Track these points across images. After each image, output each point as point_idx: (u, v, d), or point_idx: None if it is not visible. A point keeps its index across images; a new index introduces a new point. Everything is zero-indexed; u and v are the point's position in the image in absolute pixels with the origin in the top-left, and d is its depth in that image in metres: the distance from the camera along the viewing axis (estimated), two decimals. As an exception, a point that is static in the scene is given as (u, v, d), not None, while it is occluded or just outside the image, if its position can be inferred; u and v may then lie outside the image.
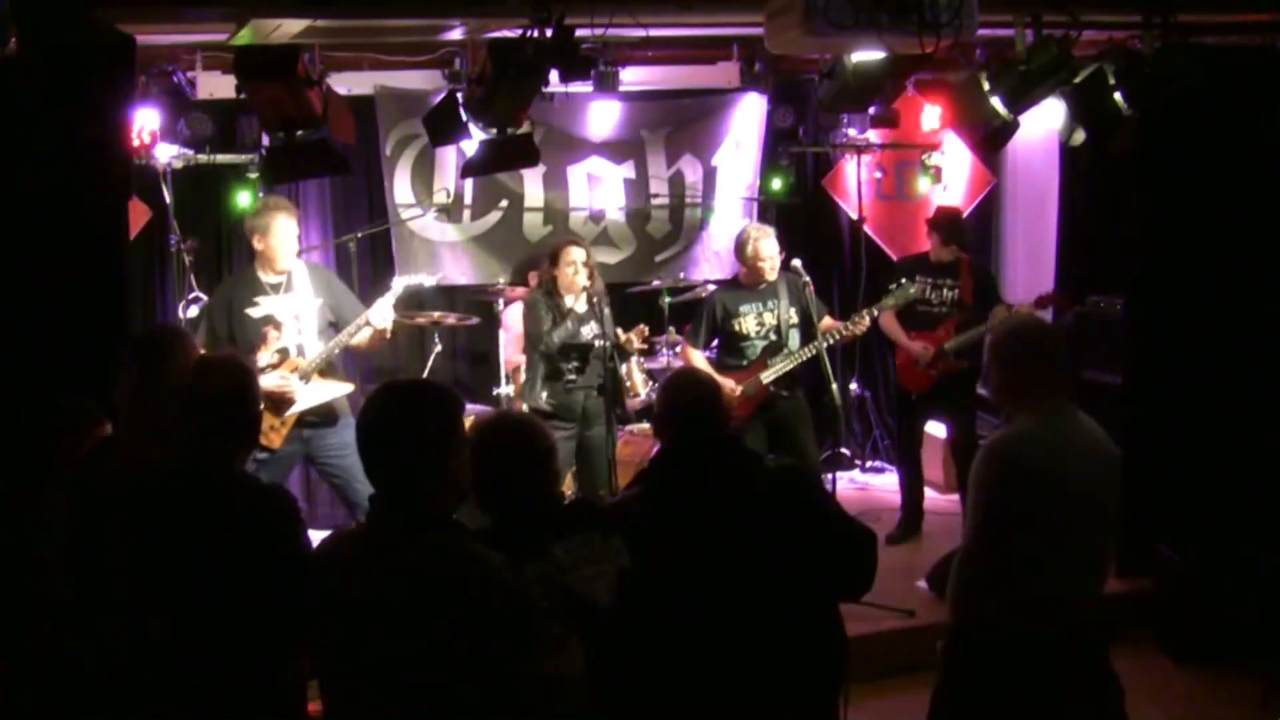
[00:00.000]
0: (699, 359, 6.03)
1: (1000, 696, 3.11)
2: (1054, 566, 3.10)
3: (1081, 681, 3.14)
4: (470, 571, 2.35)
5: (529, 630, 2.38)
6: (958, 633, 3.22)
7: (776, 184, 7.63)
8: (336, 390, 5.24)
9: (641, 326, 5.76)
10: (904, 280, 6.14)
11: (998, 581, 3.12)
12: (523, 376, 6.05)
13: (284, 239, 5.18)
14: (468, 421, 2.68)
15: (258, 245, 5.21)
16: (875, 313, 6.00)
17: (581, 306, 5.71)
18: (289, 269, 5.25)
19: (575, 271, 5.67)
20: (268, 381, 5.00)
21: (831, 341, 5.78)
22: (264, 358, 5.12)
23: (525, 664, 2.35)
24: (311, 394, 5.18)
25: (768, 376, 5.80)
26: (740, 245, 5.93)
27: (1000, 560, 3.12)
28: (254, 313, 5.18)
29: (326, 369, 5.27)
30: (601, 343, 5.57)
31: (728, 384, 5.66)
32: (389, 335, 5.29)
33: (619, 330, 5.76)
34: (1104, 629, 3.25)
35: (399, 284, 5.50)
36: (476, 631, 2.29)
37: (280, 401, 5.11)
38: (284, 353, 5.19)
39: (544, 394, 5.68)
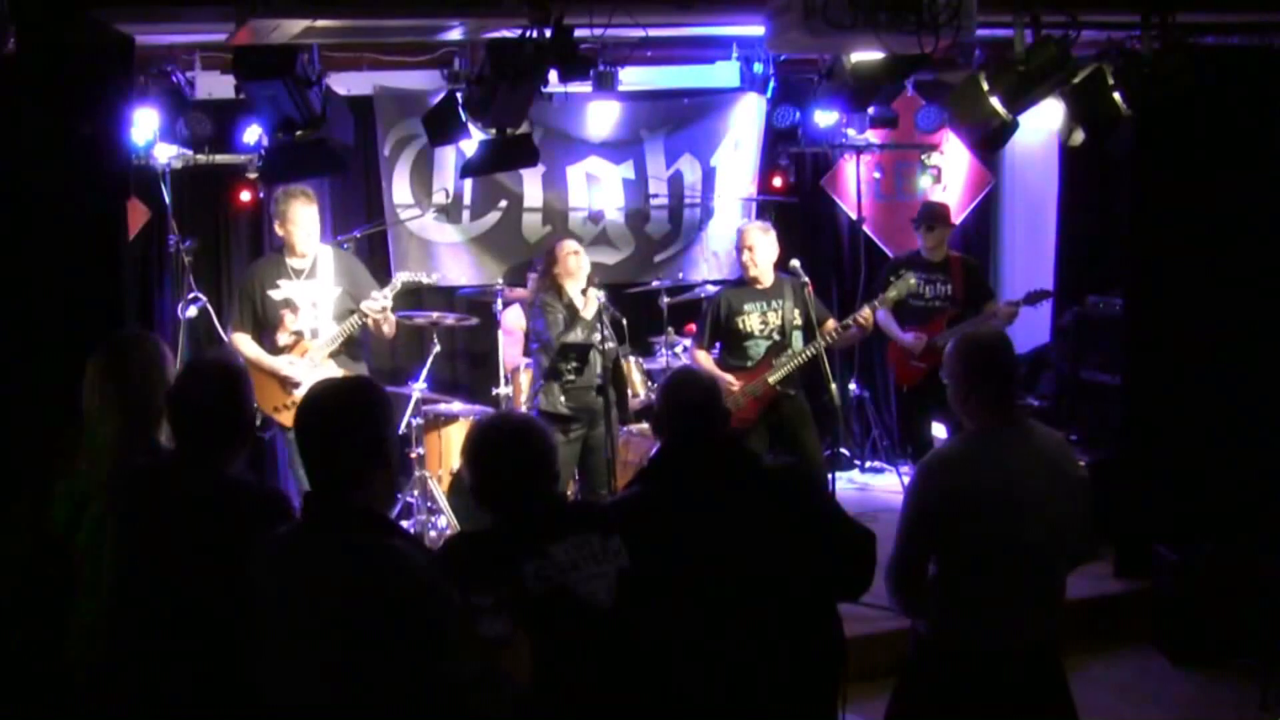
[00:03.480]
0: (706, 360, 6.03)
1: (948, 707, 3.10)
2: (994, 584, 3.04)
3: (1030, 700, 3.09)
4: (388, 570, 2.32)
5: (450, 631, 2.35)
6: (917, 638, 3.24)
7: (777, 182, 7.63)
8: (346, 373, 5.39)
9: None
10: (903, 271, 6.19)
11: (947, 593, 3.11)
12: (524, 380, 6.05)
13: (301, 225, 5.48)
14: (468, 422, 2.68)
15: (279, 230, 5.57)
16: (876, 305, 6.02)
17: (590, 312, 5.67)
18: (312, 254, 5.54)
19: (578, 261, 5.72)
20: (276, 363, 5.48)
21: (832, 340, 5.78)
22: (282, 338, 5.50)
23: (444, 665, 2.32)
24: (319, 376, 5.25)
25: (774, 377, 5.80)
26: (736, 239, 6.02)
27: (945, 574, 3.11)
28: (275, 295, 5.51)
29: (344, 353, 5.57)
30: (603, 343, 5.57)
31: (728, 380, 5.67)
32: (390, 325, 5.62)
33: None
34: (1054, 647, 3.19)
35: (398, 279, 5.72)
36: (391, 631, 2.27)
37: (288, 382, 5.50)
38: (299, 335, 5.50)
39: (561, 397, 5.68)
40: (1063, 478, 3.11)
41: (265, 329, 5.53)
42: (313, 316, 5.53)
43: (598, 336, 5.65)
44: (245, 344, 5.54)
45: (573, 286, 5.72)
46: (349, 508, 2.41)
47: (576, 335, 5.64)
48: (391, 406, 2.56)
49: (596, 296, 5.63)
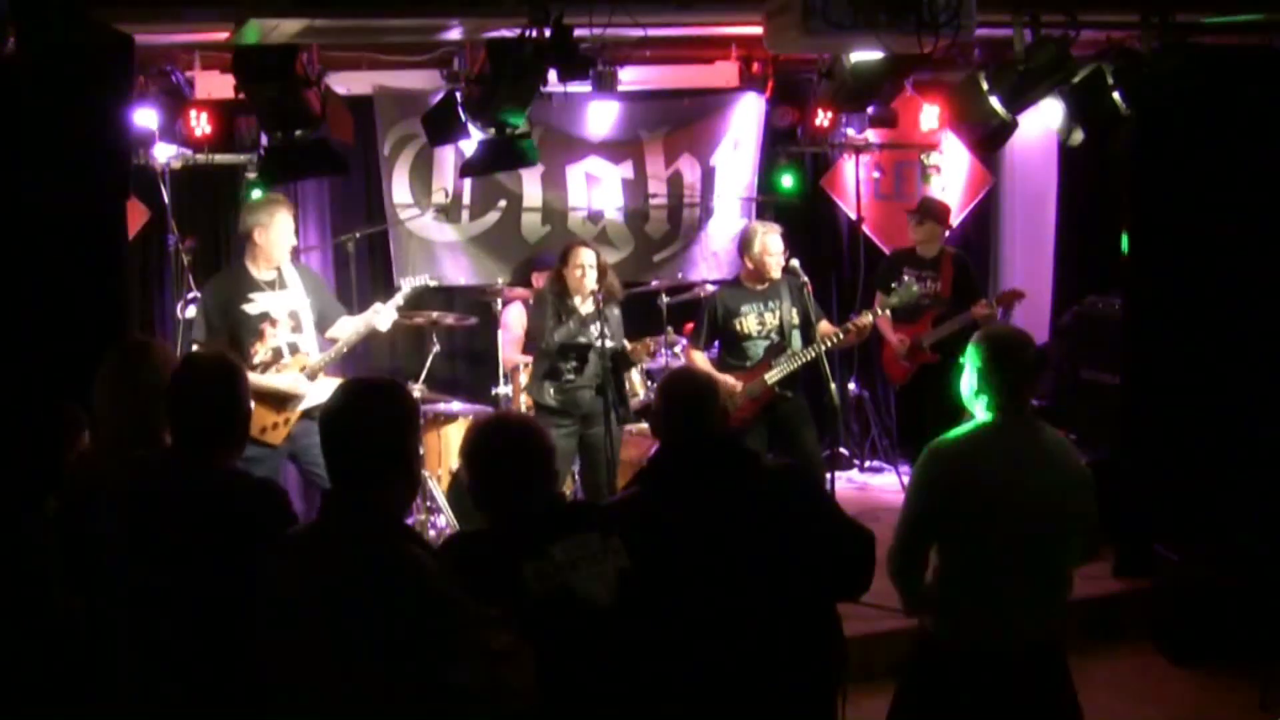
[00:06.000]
0: (701, 360, 6.02)
1: (951, 707, 3.10)
2: (997, 580, 3.04)
3: (1034, 698, 3.09)
4: (405, 577, 2.31)
5: (460, 640, 2.34)
6: (920, 636, 3.24)
7: (787, 181, 7.62)
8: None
9: (647, 340, 5.82)
10: (906, 279, 6.22)
11: (949, 590, 3.11)
12: (523, 375, 6.03)
13: (283, 234, 5.20)
14: (467, 421, 2.67)
15: (257, 238, 5.17)
16: (880, 312, 6.02)
17: (587, 308, 5.67)
18: (280, 265, 5.26)
19: (583, 274, 5.64)
20: (281, 380, 5.14)
21: (830, 345, 5.77)
22: (260, 353, 5.14)
23: (450, 674, 2.30)
24: (316, 391, 5.22)
25: (772, 377, 5.78)
26: (746, 242, 5.91)
27: (947, 570, 3.11)
28: (250, 309, 5.16)
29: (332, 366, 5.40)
30: (603, 342, 5.56)
31: (729, 381, 5.66)
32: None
33: (626, 341, 5.79)
34: (1060, 646, 3.19)
35: (405, 287, 5.53)
36: (403, 637, 2.26)
37: (288, 399, 5.17)
38: (277, 351, 5.19)
39: (550, 390, 5.68)
40: (1068, 474, 3.11)
41: (239, 345, 5.10)
42: (290, 329, 5.24)
43: (591, 331, 5.61)
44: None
45: (576, 298, 5.70)
46: (367, 512, 2.40)
47: (566, 331, 5.61)
48: (418, 413, 2.54)
49: (598, 298, 5.59)
